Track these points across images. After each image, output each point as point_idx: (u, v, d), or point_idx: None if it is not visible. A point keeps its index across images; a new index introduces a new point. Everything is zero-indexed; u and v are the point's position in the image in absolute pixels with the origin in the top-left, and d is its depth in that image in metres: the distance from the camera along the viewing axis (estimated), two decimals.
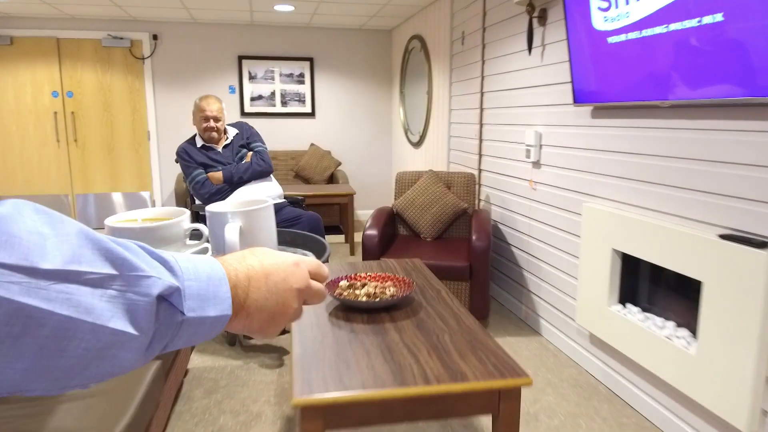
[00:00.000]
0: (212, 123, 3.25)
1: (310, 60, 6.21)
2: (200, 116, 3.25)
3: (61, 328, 0.36)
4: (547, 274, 3.06)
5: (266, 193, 3.28)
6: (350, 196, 4.88)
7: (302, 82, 6.24)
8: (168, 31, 5.92)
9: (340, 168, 6.42)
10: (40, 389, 0.37)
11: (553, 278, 3.00)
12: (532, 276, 3.23)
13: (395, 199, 3.74)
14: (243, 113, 6.16)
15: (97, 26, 5.76)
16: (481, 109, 3.90)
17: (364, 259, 3.18)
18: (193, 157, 3.24)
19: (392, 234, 3.63)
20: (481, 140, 3.94)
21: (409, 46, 5.63)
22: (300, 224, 3.15)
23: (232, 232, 1.39)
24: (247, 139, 3.42)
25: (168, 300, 0.43)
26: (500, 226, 3.65)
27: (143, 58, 5.89)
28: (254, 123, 6.21)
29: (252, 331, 0.53)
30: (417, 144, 5.53)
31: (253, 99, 6.16)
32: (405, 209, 3.61)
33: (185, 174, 3.24)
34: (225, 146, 3.35)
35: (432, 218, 3.54)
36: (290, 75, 6.20)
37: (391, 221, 3.59)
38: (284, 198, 3.49)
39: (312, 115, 6.31)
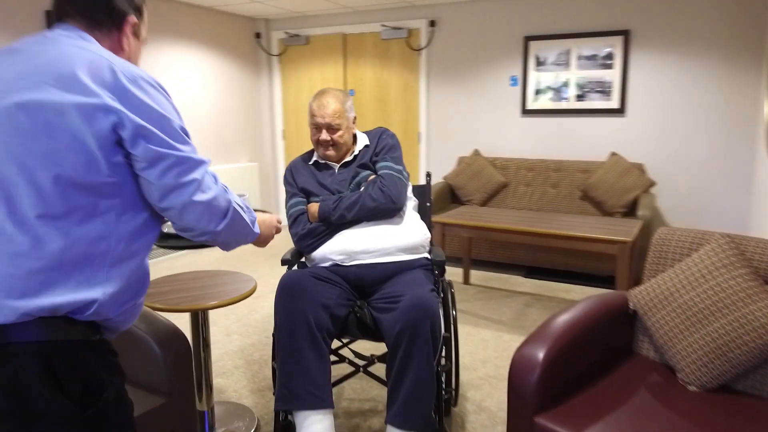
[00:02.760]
0: (324, 135, 2.18)
1: (625, 34, 4.34)
2: (311, 124, 2.22)
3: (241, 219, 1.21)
4: None
5: (388, 241, 2.06)
6: (624, 246, 3.05)
7: (608, 66, 4.43)
8: (447, 14, 5.02)
9: (652, 190, 4.38)
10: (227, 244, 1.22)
11: None
12: None
13: None
14: (524, 111, 4.79)
15: (377, 17, 5.30)
16: None
17: None
18: (295, 179, 2.26)
19: None
20: None
21: None
22: (396, 311, 1.81)
23: None
24: (376, 153, 2.23)
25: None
26: None
27: (419, 49, 5.16)
28: (536, 124, 4.77)
29: (260, 242, 1.42)
30: None
31: (538, 92, 4.72)
32: None
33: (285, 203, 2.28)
34: (344, 164, 2.25)
35: None
36: (592, 57, 4.48)
37: None
38: (426, 251, 2.19)
39: (620, 111, 4.45)
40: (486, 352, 2.95)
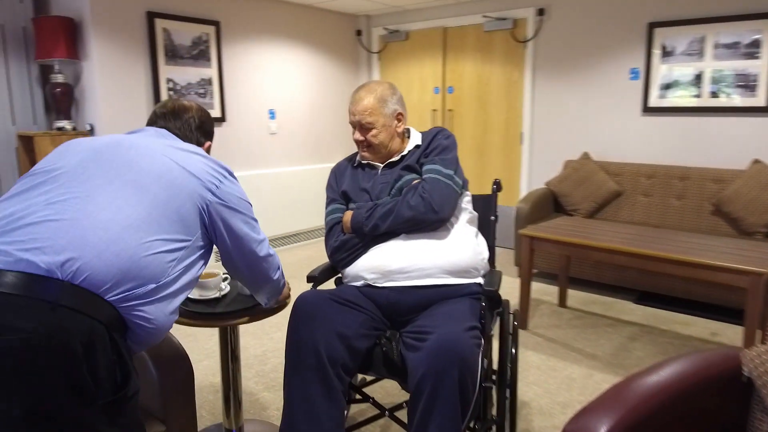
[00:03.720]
0: (358, 135, 1.89)
1: None
2: (350, 122, 1.93)
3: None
4: None
5: (429, 259, 1.72)
6: (759, 280, 2.41)
7: (754, 56, 3.65)
8: (557, 1, 4.48)
9: None
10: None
11: None
12: None
13: None
14: (645, 109, 4.13)
15: (480, 8, 4.90)
16: None
17: None
18: (338, 182, 1.99)
19: None
20: None
21: None
22: (421, 351, 1.47)
23: None
24: (425, 155, 1.88)
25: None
26: None
27: (525, 41, 4.68)
28: (660, 123, 4.09)
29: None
30: None
31: (664, 87, 4.04)
32: None
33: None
34: (389, 165, 1.93)
35: None
36: (733, 45, 3.72)
37: None
38: (480, 275, 1.81)
39: (766, 111, 3.66)
40: (569, 394, 2.49)
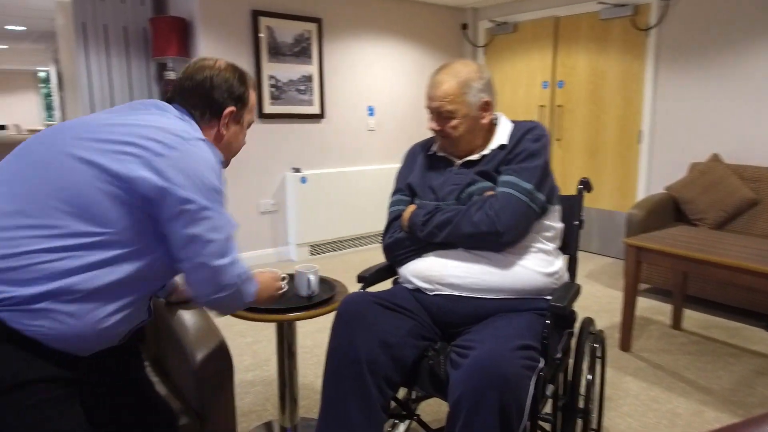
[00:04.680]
0: (434, 123, 1.65)
1: None
2: (426, 107, 1.74)
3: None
4: None
5: (489, 280, 1.50)
6: None
7: None
8: None
9: None
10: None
11: None
12: None
13: None
14: None
15: None
16: None
17: None
18: (406, 171, 1.80)
19: None
20: None
21: None
22: (461, 369, 1.27)
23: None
24: (507, 160, 1.60)
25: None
26: None
27: (647, 29, 4.19)
28: None
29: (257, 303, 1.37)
30: None
31: None
32: None
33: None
34: (466, 163, 1.67)
35: None
36: None
37: None
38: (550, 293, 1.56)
39: None
40: (672, 431, 2.13)
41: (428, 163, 1.75)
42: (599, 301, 3.59)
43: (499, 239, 1.49)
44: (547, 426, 1.81)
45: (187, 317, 1.59)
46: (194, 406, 1.52)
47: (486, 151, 1.65)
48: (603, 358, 1.83)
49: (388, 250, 1.70)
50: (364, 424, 1.36)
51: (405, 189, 1.77)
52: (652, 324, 3.22)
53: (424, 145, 1.82)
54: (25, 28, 7.24)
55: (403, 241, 1.66)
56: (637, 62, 4.31)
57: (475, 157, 1.66)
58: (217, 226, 1.14)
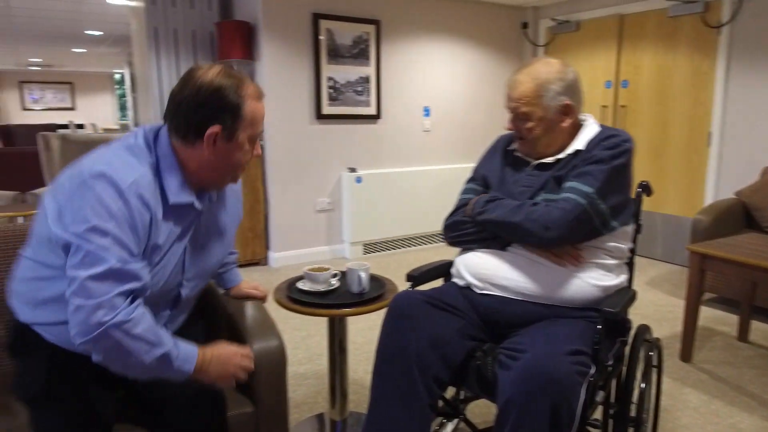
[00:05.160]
0: (511, 123, 1.63)
1: None
2: (506, 107, 1.68)
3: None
4: None
5: (544, 288, 1.49)
6: None
7: None
8: None
9: None
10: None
11: None
12: None
13: None
14: None
15: None
16: None
17: None
18: (486, 161, 1.80)
19: None
20: None
21: None
22: (512, 371, 1.27)
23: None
24: (583, 162, 1.54)
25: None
26: None
27: (719, 26, 4.00)
28: None
29: (209, 380, 1.25)
30: None
31: None
32: None
33: None
34: (540, 165, 1.63)
35: None
36: None
37: None
38: (590, 299, 1.51)
39: None
40: None
41: (506, 159, 1.73)
42: (660, 310, 3.46)
43: (544, 233, 1.46)
44: None
45: (247, 309, 1.67)
46: (248, 395, 1.59)
47: (561, 155, 1.60)
48: (659, 367, 1.78)
49: (447, 228, 1.72)
50: (411, 421, 1.38)
51: (479, 179, 1.77)
52: (716, 335, 3.08)
53: (508, 140, 1.78)
54: (102, 33, 7.70)
55: (461, 224, 1.67)
56: (707, 61, 4.12)
57: (549, 160, 1.61)
58: (94, 259, 1.09)
